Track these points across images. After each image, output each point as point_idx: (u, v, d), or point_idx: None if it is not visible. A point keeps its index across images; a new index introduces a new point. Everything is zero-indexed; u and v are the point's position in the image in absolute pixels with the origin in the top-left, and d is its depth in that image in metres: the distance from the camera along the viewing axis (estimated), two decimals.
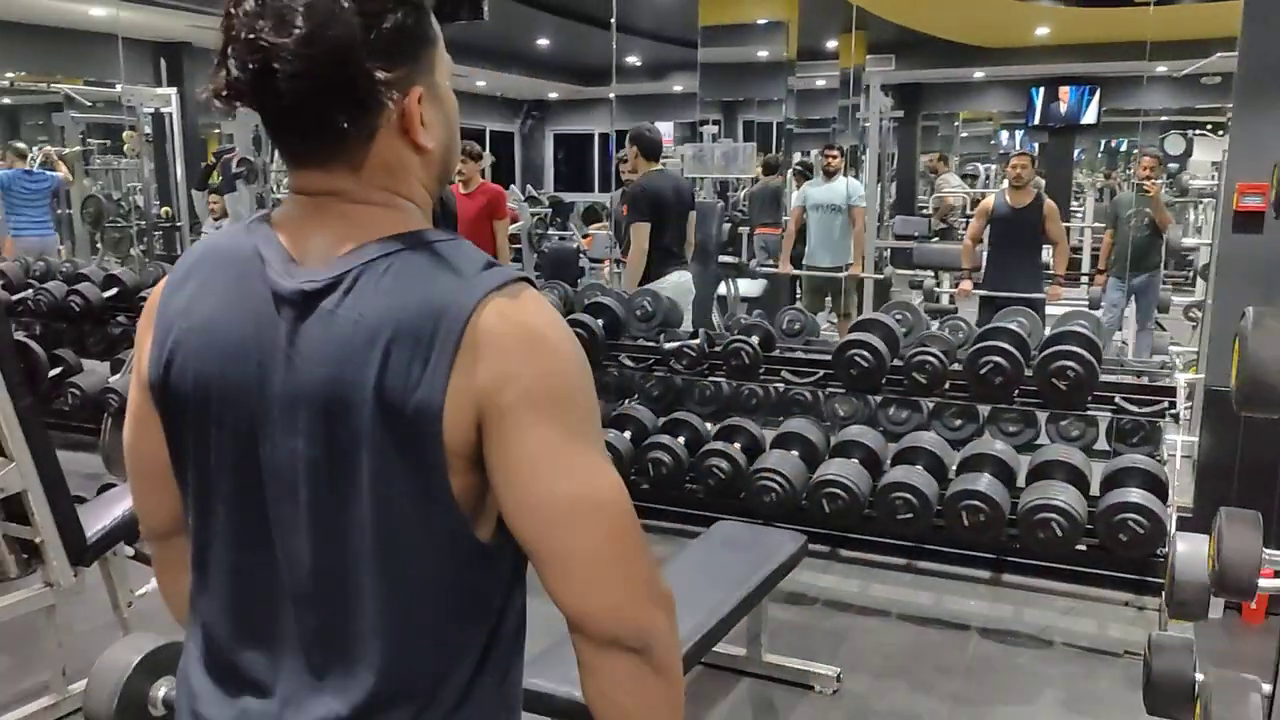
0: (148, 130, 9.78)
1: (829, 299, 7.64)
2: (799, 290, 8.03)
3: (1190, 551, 2.18)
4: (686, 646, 2.22)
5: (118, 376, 4.94)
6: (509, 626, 0.96)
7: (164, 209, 9.87)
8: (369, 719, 0.89)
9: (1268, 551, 1.75)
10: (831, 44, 11.70)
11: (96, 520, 2.79)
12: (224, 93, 0.85)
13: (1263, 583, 2.34)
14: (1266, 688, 1.80)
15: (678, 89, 14.32)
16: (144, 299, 4.55)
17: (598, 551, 0.88)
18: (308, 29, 0.82)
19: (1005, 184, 6.30)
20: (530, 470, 0.86)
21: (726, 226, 8.14)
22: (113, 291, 5.19)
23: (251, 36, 0.83)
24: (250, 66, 0.83)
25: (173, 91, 9.63)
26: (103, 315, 5.19)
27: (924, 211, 12.68)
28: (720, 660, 3.13)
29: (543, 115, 17.86)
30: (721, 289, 7.65)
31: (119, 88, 9.75)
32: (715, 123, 15.12)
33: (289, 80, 0.83)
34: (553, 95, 17.19)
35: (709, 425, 4.21)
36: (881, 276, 7.28)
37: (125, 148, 10.80)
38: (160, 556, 1.11)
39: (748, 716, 2.94)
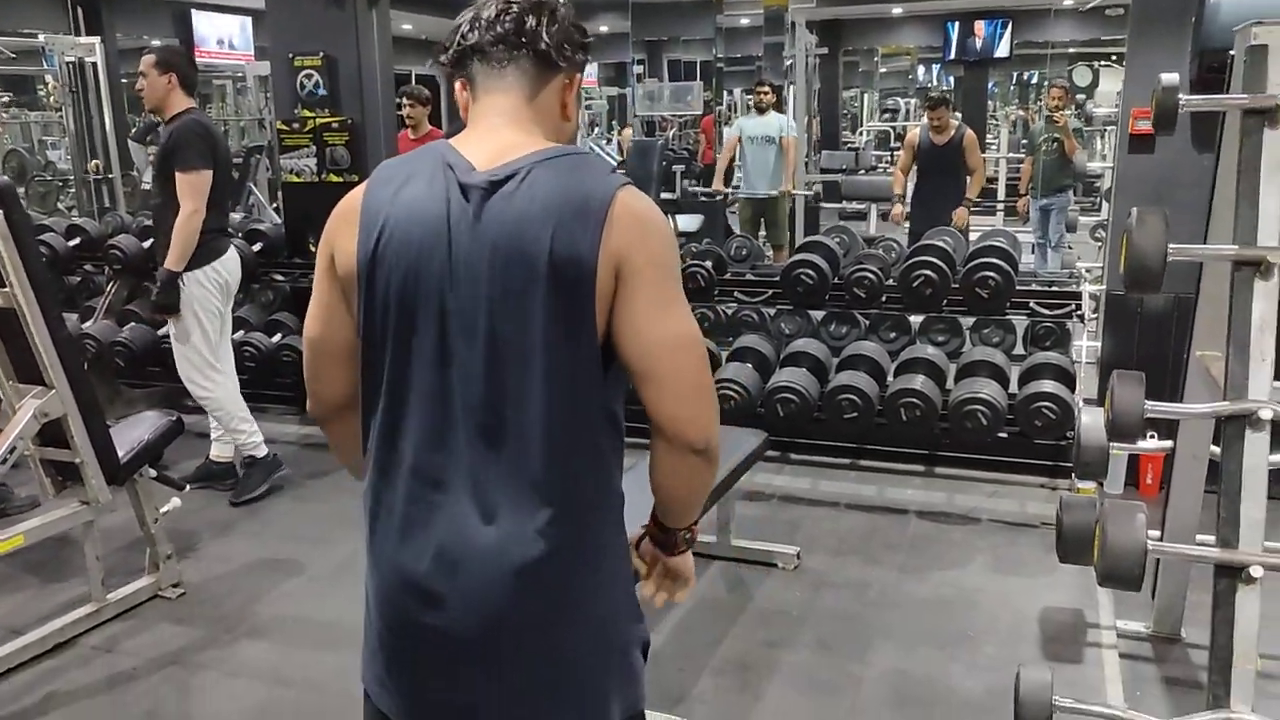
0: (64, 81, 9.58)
1: (763, 231, 8.03)
2: (730, 226, 8.42)
3: (1091, 420, 2.61)
4: None
5: (89, 324, 5.08)
6: (621, 447, 1.34)
7: (93, 162, 9.72)
8: (531, 494, 1.24)
9: (1149, 402, 2.17)
10: None
11: (123, 444, 3.04)
12: (489, 42, 1.29)
13: (1143, 444, 2.80)
14: (1146, 514, 2.23)
15: (604, 29, 14.43)
16: (113, 247, 4.66)
17: (693, 374, 1.26)
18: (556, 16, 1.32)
19: (925, 121, 6.75)
20: (649, 312, 1.23)
21: (676, 167, 8.47)
22: (76, 241, 5.29)
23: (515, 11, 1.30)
24: (509, 23, 1.29)
25: (96, 41, 9.46)
26: (69, 265, 5.30)
27: (849, 146, 13.08)
28: (694, 548, 3.52)
29: None
30: None
31: (41, 38, 9.55)
32: (640, 63, 15.25)
33: (539, 29, 1.29)
34: None
35: None
36: (811, 193, 7.75)
37: (50, 99, 10.55)
38: (334, 429, 1.46)
39: (722, 590, 3.35)
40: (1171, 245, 2.13)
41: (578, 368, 1.23)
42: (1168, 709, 2.57)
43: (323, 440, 1.47)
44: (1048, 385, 3.74)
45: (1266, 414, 2.08)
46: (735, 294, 4.48)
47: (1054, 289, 4.28)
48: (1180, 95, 2.20)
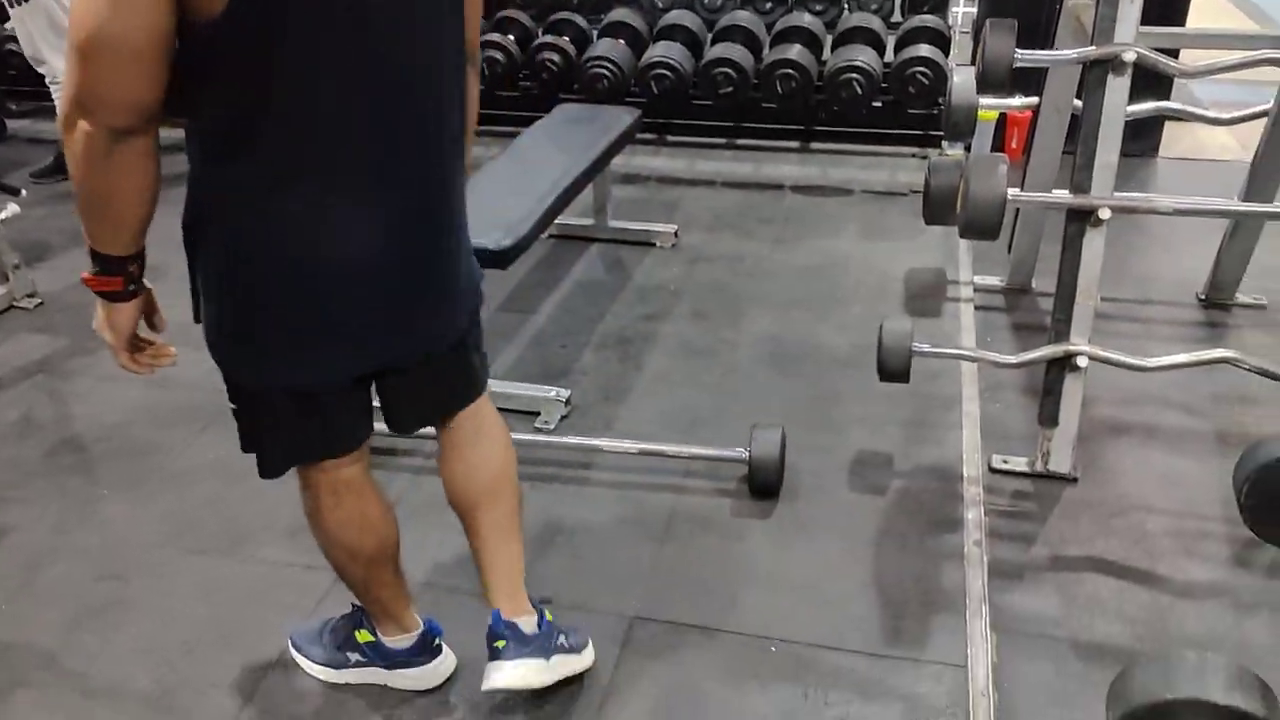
0: None
1: None
2: None
3: (962, 80, 2.59)
4: (538, 215, 2.52)
5: None
6: None
7: None
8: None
9: (1019, 50, 2.15)
10: None
11: None
12: None
13: (1017, 99, 2.82)
14: (1006, 166, 2.29)
15: None
16: None
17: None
18: None
19: None
20: None
21: None
22: None
23: None
24: None
25: None
26: None
27: None
28: (571, 232, 3.51)
29: None
30: None
31: None
32: None
33: None
34: None
35: (534, 24, 4.28)
36: None
37: None
38: (135, 146, 1.18)
39: (601, 269, 3.37)
40: None
41: None
42: (1014, 349, 2.77)
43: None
44: (923, 49, 3.68)
45: (1130, 56, 2.09)
46: None
47: None
48: None
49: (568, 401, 2.58)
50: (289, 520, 2.09)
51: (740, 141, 4.37)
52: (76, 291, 3.24)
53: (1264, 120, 2.64)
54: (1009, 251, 3.11)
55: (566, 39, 4.06)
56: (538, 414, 2.54)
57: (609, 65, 3.81)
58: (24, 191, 3.25)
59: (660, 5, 4.33)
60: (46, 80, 3.61)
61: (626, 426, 2.52)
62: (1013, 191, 2.21)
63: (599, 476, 2.35)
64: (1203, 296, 3.01)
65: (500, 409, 1.73)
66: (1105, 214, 2.15)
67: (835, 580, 2.02)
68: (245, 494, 2.25)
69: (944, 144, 4.09)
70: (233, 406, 1.47)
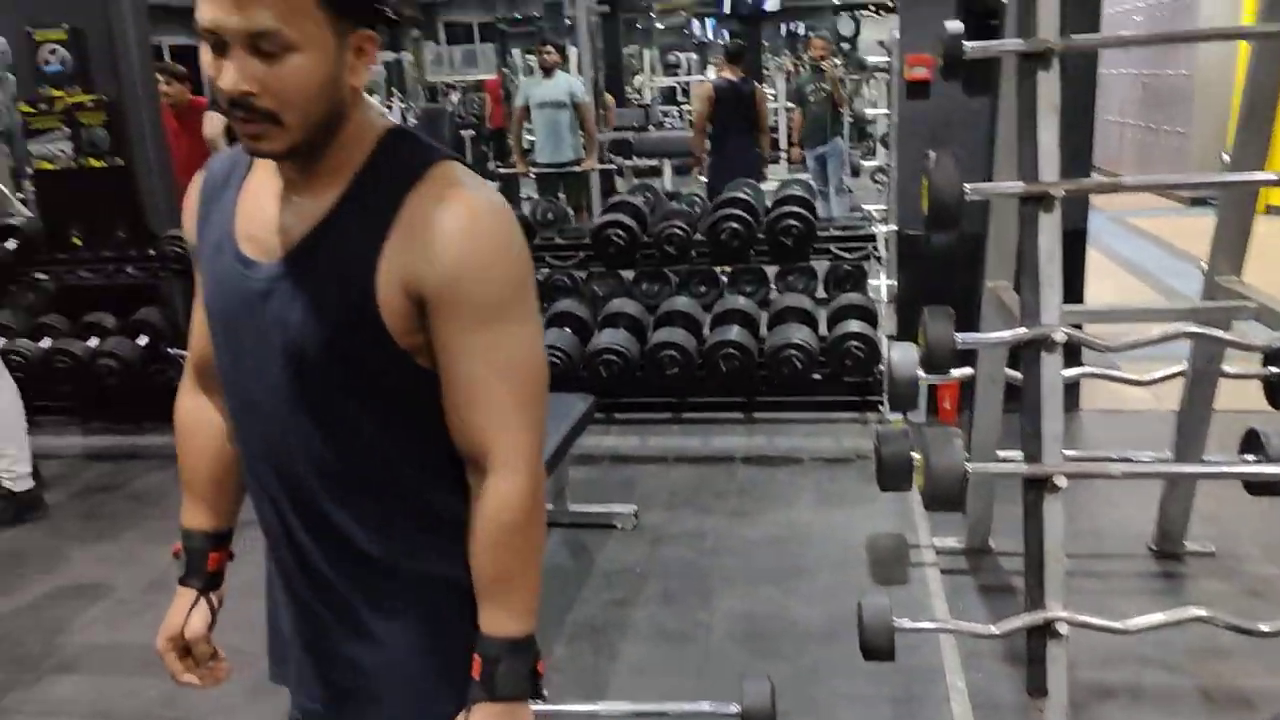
0: None
1: (561, 194, 7.98)
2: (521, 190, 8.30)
3: (900, 355, 2.75)
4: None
5: None
6: None
7: None
8: None
9: (960, 335, 2.32)
10: None
11: None
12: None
13: (954, 372, 2.99)
14: (962, 439, 2.40)
15: None
16: None
17: None
18: None
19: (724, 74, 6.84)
20: None
21: (466, 133, 8.22)
22: None
23: None
24: None
25: None
26: None
27: (636, 102, 13.21)
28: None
29: None
30: None
31: None
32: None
33: None
34: None
35: None
36: (613, 167, 7.68)
37: None
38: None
39: (566, 556, 3.34)
40: (966, 185, 2.27)
41: None
42: (987, 614, 2.78)
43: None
44: (854, 325, 3.93)
45: (1060, 336, 2.26)
46: (546, 259, 4.44)
47: (851, 233, 4.49)
48: (964, 42, 2.32)
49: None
50: None
51: (686, 415, 4.50)
52: (16, 617, 3.08)
53: (1180, 378, 2.84)
54: (964, 513, 3.19)
55: None
56: None
57: (558, 353, 3.96)
58: None
59: (601, 294, 4.58)
60: None
61: None
62: (970, 464, 2.30)
63: None
64: (1154, 547, 3.10)
65: None
66: (1061, 481, 2.25)
67: None
68: None
69: (882, 408, 4.27)
70: None
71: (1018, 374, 2.46)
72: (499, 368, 1.08)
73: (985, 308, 2.86)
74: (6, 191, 7.17)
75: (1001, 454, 2.95)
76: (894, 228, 4.53)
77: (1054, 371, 2.30)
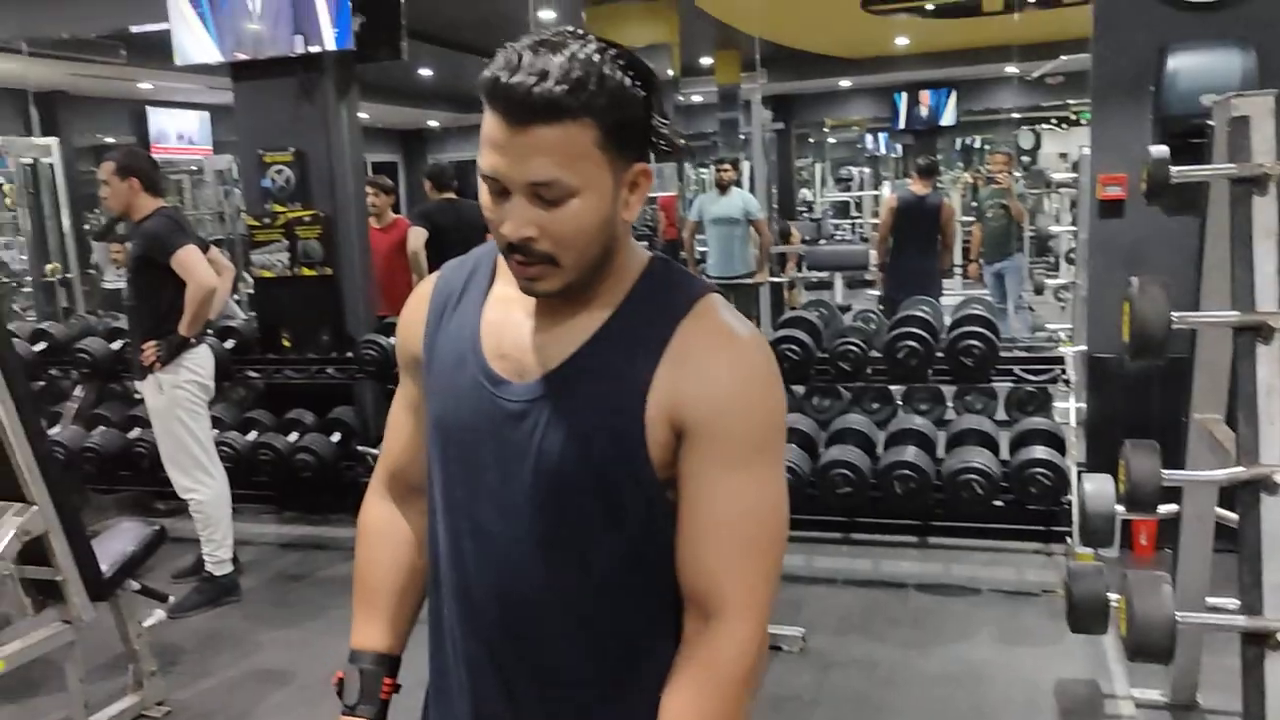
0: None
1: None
2: None
3: (1096, 489, 2.61)
4: None
5: (57, 430, 4.95)
6: None
7: (51, 266, 9.48)
8: None
9: (1166, 471, 2.17)
10: (706, 61, 12.23)
11: (106, 558, 2.92)
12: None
13: (1161, 508, 2.80)
14: (1170, 585, 2.22)
15: None
16: (81, 351, 4.55)
17: None
18: None
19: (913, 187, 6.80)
20: None
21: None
22: (42, 346, 5.16)
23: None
24: None
25: (54, 141, 9.41)
26: (35, 371, 5.16)
27: (810, 217, 13.32)
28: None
29: (424, 144, 17.94)
30: None
31: None
32: None
33: None
34: (432, 124, 17.30)
35: None
36: (784, 279, 7.73)
37: (7, 201, 10.42)
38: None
39: None
40: (1173, 314, 2.16)
41: None
42: None
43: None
44: (1039, 451, 3.75)
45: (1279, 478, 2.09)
46: None
47: (1036, 354, 4.32)
48: (1171, 167, 2.24)
49: None
50: None
51: (857, 536, 4.36)
52: (206, 698, 3.25)
53: None
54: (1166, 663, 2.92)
55: None
56: None
57: None
58: (171, 598, 3.37)
59: None
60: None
61: None
62: (1179, 613, 2.13)
63: None
64: None
65: None
66: None
67: None
68: None
69: (1070, 540, 4.02)
70: None
71: (1231, 514, 2.28)
72: (745, 510, 1.05)
73: (1193, 442, 2.67)
74: (230, 295, 7.88)
75: (1211, 601, 2.71)
76: (1083, 349, 4.33)
77: (1276, 515, 2.11)
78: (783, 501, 1.09)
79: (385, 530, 1.28)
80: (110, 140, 12.26)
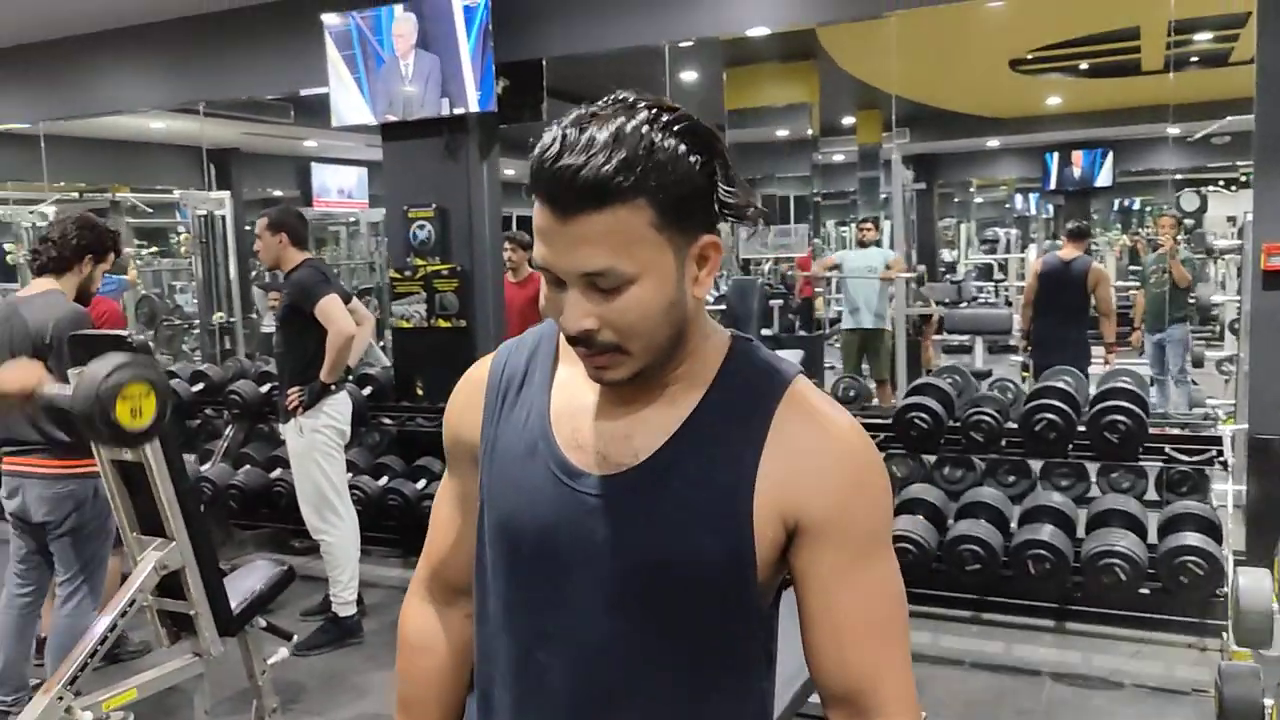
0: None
1: (864, 364, 7.91)
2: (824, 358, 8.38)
3: (1253, 584, 2.41)
4: (785, 702, 2.43)
5: (207, 467, 5.23)
6: None
7: (218, 314, 10.09)
8: None
9: None
10: (848, 120, 12.15)
11: (236, 595, 3.04)
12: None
13: None
14: None
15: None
16: (233, 393, 4.82)
17: None
18: None
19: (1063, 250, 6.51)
20: None
21: (774, 302, 8.59)
22: (200, 386, 5.49)
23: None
24: None
25: (226, 195, 10.11)
26: (192, 410, 5.49)
27: (949, 278, 12.98)
28: (815, 710, 3.32)
29: None
30: None
31: (176, 193, 10.27)
32: None
33: None
34: None
35: None
36: (918, 315, 7.66)
37: (182, 250, 11.25)
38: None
39: None
40: None
41: None
42: None
43: None
44: (1191, 538, 3.47)
45: None
46: None
47: (1190, 433, 4.04)
48: None
49: None
50: None
51: (987, 617, 4.13)
52: None
53: None
54: None
55: None
56: None
57: None
58: (295, 636, 3.48)
59: (900, 475, 4.39)
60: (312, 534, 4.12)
61: None
62: None
63: None
64: None
65: None
66: None
67: None
68: None
69: (1225, 636, 3.70)
70: None
71: None
72: (880, 602, 1.01)
73: None
74: (373, 343, 8.24)
75: None
76: (1244, 428, 4.02)
77: None
78: (902, 584, 1.05)
79: (429, 639, 1.23)
80: (278, 193, 13.13)
